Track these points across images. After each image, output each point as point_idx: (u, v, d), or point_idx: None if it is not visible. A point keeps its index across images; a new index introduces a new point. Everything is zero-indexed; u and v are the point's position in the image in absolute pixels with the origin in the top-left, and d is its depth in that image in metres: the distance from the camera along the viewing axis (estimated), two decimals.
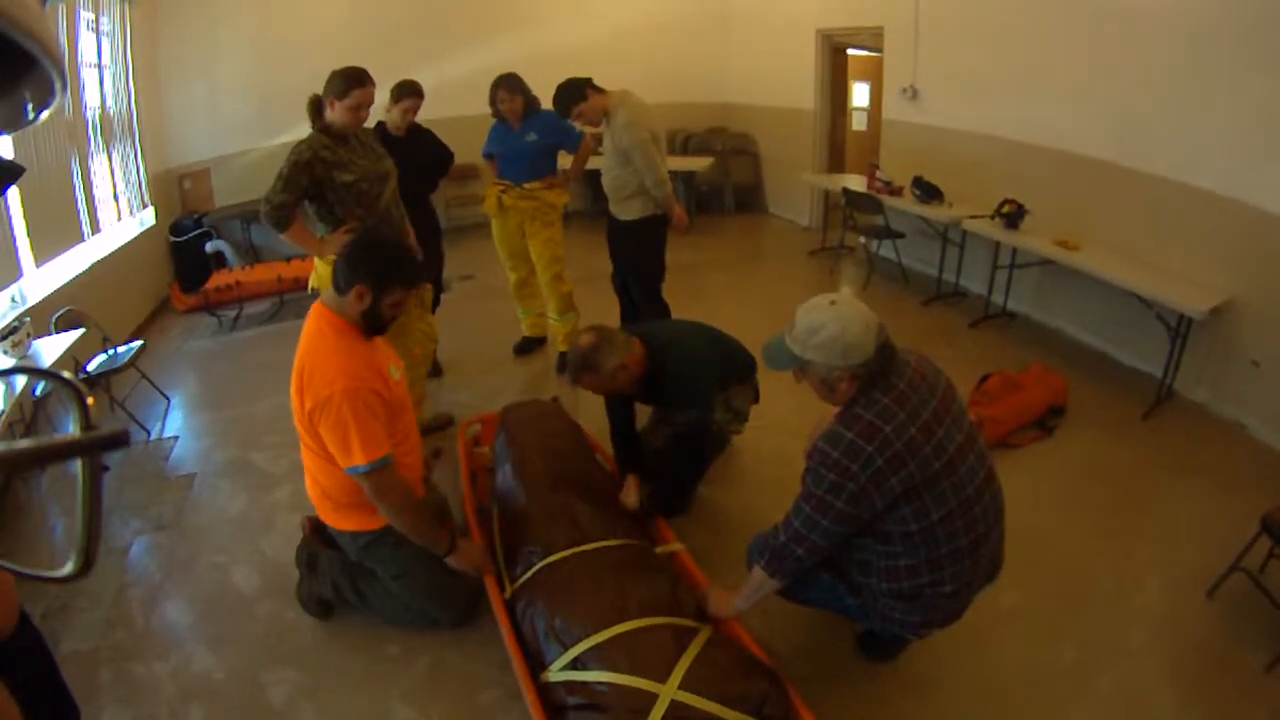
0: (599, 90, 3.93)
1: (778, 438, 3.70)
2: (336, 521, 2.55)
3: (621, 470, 3.15)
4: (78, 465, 0.57)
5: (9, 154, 4.17)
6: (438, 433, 3.90)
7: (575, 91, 3.89)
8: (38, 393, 4.25)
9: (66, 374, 0.62)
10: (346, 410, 2.25)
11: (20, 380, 3.45)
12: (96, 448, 0.54)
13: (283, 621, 2.73)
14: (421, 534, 2.47)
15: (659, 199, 4.08)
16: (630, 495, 2.95)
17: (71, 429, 0.57)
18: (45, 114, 0.55)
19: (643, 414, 3.37)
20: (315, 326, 2.41)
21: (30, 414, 4.14)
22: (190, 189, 7.15)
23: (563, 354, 4.66)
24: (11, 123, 0.54)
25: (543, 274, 4.51)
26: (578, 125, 4.13)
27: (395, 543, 2.51)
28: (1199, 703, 2.32)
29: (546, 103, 4.22)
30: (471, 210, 8.08)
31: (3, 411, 3.22)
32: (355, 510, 2.49)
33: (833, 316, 1.94)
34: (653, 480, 3.06)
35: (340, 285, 2.37)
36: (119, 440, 0.53)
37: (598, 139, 4.22)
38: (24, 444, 0.52)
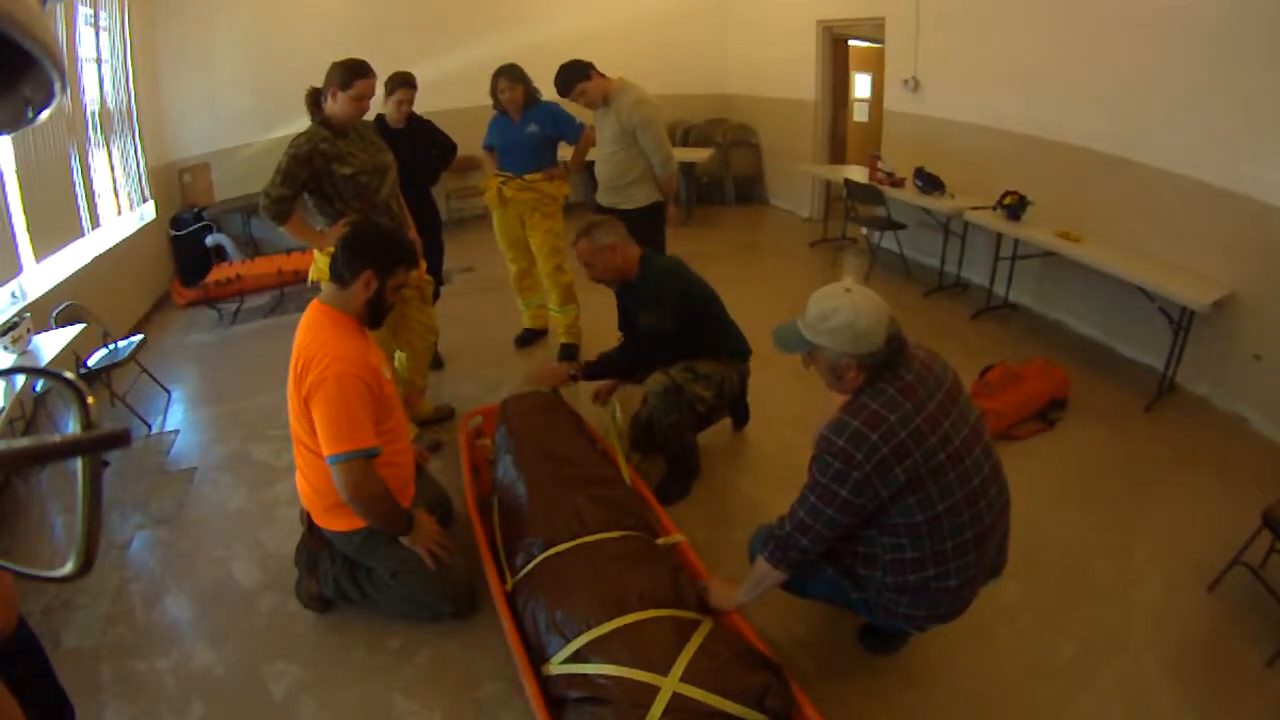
0: (602, 75, 3.97)
1: (780, 429, 3.69)
2: (328, 522, 2.52)
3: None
4: (78, 464, 0.56)
5: (8, 150, 4.18)
6: (439, 425, 3.91)
7: (580, 70, 3.93)
8: (38, 389, 4.25)
9: (68, 373, 0.61)
10: (337, 392, 2.25)
11: (20, 378, 3.45)
12: (97, 447, 0.54)
13: (283, 615, 2.73)
14: (388, 521, 2.44)
15: (664, 178, 4.10)
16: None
17: (72, 427, 0.56)
18: (44, 115, 0.54)
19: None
20: (313, 319, 2.42)
21: (30, 410, 4.13)
22: (190, 183, 7.14)
23: (564, 345, 4.66)
24: (10, 123, 0.54)
25: (544, 265, 4.50)
26: (579, 103, 4.09)
27: (389, 539, 2.50)
28: (1199, 697, 2.31)
29: (547, 93, 4.21)
30: (472, 202, 8.08)
31: (2, 409, 3.22)
32: (346, 509, 2.43)
33: (846, 303, 1.94)
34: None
35: (344, 276, 2.37)
36: (119, 439, 0.53)
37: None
38: (24, 443, 0.51)
